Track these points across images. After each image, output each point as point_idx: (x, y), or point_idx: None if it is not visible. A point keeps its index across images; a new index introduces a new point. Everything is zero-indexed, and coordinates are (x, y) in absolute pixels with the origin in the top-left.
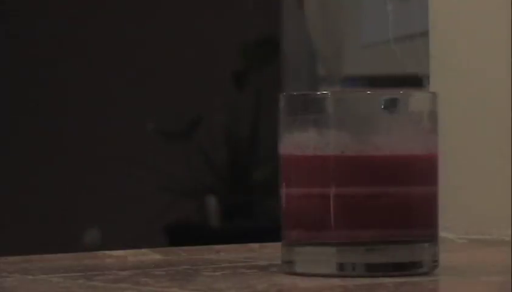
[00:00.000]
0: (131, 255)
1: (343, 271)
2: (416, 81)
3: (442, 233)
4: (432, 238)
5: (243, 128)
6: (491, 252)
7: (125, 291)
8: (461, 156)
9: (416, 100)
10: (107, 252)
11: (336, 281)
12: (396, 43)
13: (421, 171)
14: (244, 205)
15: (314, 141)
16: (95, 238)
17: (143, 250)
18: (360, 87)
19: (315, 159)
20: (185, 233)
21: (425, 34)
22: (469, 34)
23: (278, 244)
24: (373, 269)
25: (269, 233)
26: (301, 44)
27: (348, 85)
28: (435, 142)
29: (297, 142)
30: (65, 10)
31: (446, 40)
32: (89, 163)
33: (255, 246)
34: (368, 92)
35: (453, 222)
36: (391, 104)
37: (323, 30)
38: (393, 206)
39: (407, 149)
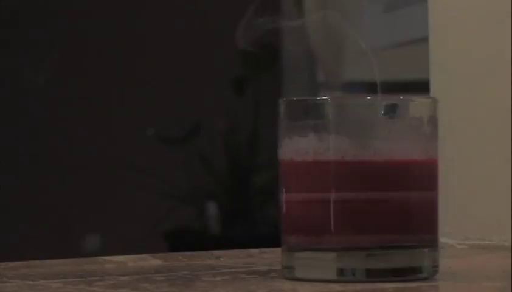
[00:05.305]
0: (130, 261)
1: (343, 276)
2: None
3: (442, 239)
4: (432, 243)
5: (243, 133)
6: (491, 257)
7: None
8: (461, 161)
9: (416, 105)
10: (107, 258)
11: (336, 287)
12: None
13: (421, 176)
14: (243, 211)
15: (314, 146)
16: (95, 243)
17: (143, 255)
18: (360, 92)
19: (315, 164)
20: (185, 239)
21: (424, 40)
22: (469, 40)
23: (278, 250)
24: (373, 275)
25: (268, 239)
26: (301, 49)
27: (348, 90)
28: (435, 147)
29: (296, 147)
30: (66, 12)
31: (446, 45)
32: (89, 169)
33: (255, 251)
34: (368, 98)
35: (453, 227)
36: (391, 110)
37: (323, 36)
38: (393, 211)
39: (406, 155)
